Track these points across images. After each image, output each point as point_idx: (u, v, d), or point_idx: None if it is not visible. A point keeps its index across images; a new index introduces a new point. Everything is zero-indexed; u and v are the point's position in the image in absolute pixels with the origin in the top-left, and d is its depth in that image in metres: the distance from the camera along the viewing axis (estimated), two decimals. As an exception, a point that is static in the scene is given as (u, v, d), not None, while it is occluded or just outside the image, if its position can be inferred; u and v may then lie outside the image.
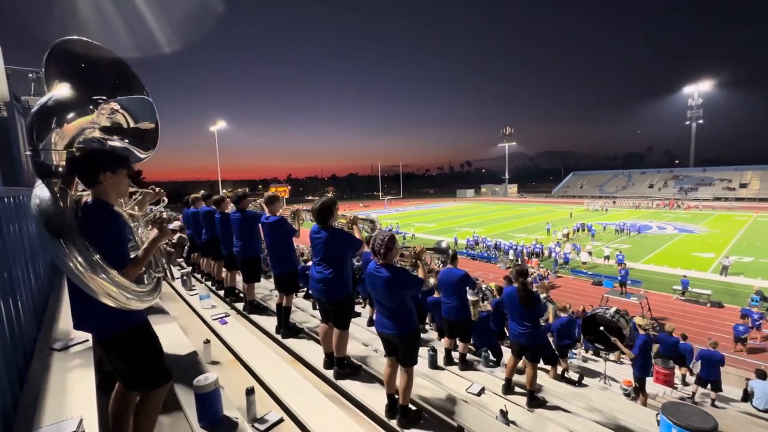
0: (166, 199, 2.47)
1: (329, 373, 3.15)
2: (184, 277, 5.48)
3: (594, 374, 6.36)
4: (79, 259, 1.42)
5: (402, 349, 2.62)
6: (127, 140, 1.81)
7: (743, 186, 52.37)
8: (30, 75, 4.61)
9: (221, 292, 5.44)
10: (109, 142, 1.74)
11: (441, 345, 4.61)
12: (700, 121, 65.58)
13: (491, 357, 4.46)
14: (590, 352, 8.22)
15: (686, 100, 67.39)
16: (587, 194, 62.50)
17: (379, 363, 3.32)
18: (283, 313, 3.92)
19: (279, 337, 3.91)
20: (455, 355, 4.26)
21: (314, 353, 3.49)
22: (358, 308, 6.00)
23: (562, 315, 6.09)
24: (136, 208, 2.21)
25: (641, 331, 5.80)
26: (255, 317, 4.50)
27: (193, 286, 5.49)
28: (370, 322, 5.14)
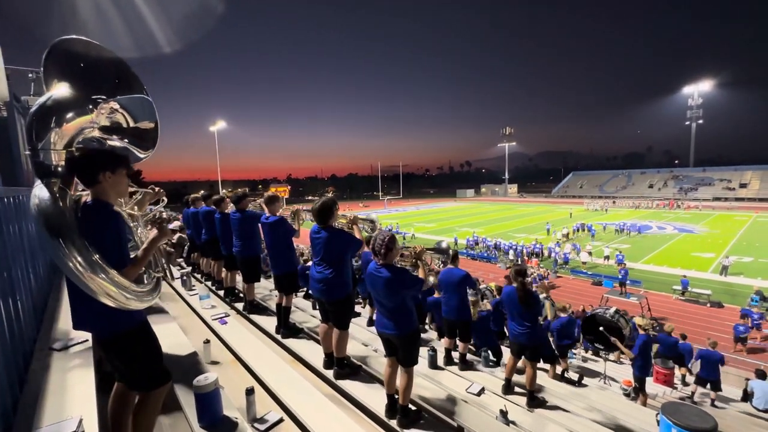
0: (165, 199, 2.47)
1: (329, 373, 3.15)
2: (184, 277, 5.48)
3: (594, 374, 6.36)
4: (79, 258, 1.42)
5: (402, 350, 2.62)
6: (126, 140, 1.80)
7: (743, 186, 52.39)
8: (30, 75, 4.61)
9: (221, 292, 5.44)
10: (109, 142, 1.74)
11: (441, 345, 4.61)
12: (700, 121, 65.58)
13: (491, 357, 4.46)
14: (590, 352, 8.22)
15: (686, 100, 67.42)
16: (587, 194, 62.51)
17: (379, 363, 3.32)
18: (282, 313, 3.92)
19: (279, 337, 3.91)
20: (455, 355, 4.26)
21: (314, 353, 3.48)
22: (358, 308, 6.00)
23: (562, 315, 6.09)
24: (136, 207, 2.20)
25: (641, 331, 5.79)
26: (255, 317, 4.50)
27: (193, 286, 5.49)
28: (370, 322, 5.14)
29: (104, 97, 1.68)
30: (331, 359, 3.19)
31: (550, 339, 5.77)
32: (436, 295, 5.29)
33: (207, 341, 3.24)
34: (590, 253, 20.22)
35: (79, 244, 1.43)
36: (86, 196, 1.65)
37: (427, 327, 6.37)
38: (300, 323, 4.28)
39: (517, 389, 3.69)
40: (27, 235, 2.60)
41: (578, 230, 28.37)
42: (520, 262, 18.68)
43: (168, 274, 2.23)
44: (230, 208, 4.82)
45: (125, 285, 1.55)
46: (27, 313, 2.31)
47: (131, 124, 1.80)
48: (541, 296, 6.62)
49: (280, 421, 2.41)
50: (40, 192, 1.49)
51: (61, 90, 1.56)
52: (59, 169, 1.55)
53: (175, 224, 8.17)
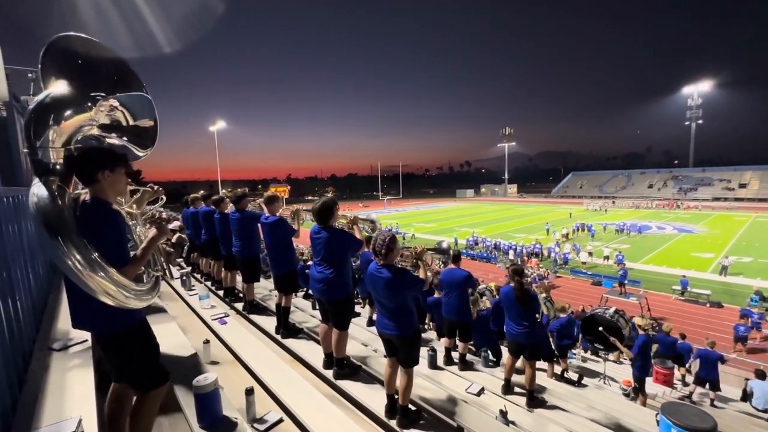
0: (164, 198, 2.46)
1: (329, 374, 3.15)
2: (184, 277, 5.48)
3: (593, 374, 6.36)
4: (78, 257, 1.41)
5: (403, 350, 2.62)
6: (125, 138, 1.80)
7: (742, 186, 52.44)
8: (29, 75, 4.59)
9: (221, 292, 5.43)
10: (108, 140, 1.73)
11: (441, 345, 4.61)
12: (700, 122, 65.61)
13: (491, 357, 4.45)
14: (589, 352, 8.22)
15: (686, 100, 67.46)
16: (587, 194, 62.56)
17: (379, 363, 3.32)
18: (282, 313, 3.91)
19: (278, 337, 3.90)
20: (455, 355, 4.26)
21: (314, 353, 3.48)
22: (358, 308, 5.99)
23: (562, 315, 6.09)
24: (135, 206, 2.20)
25: (640, 331, 5.79)
26: (254, 317, 4.49)
27: (193, 286, 5.48)
28: (370, 322, 5.14)
29: (103, 94, 1.67)
30: (331, 359, 3.19)
31: (550, 339, 5.77)
32: (436, 295, 5.29)
33: (207, 341, 3.23)
34: (590, 253, 20.24)
35: (78, 243, 1.43)
36: (85, 194, 1.64)
37: (426, 327, 6.37)
38: (300, 323, 4.28)
39: (516, 389, 3.69)
40: (26, 235, 2.60)
41: (578, 230, 28.39)
42: (519, 262, 18.69)
43: (167, 273, 2.23)
44: (230, 208, 4.81)
45: (124, 283, 1.54)
46: (26, 313, 2.30)
47: (131, 122, 1.80)
48: (541, 296, 6.62)
49: (280, 421, 2.40)
50: (38, 190, 1.48)
51: (59, 87, 1.56)
52: (58, 167, 1.54)
53: (175, 224, 8.17)
